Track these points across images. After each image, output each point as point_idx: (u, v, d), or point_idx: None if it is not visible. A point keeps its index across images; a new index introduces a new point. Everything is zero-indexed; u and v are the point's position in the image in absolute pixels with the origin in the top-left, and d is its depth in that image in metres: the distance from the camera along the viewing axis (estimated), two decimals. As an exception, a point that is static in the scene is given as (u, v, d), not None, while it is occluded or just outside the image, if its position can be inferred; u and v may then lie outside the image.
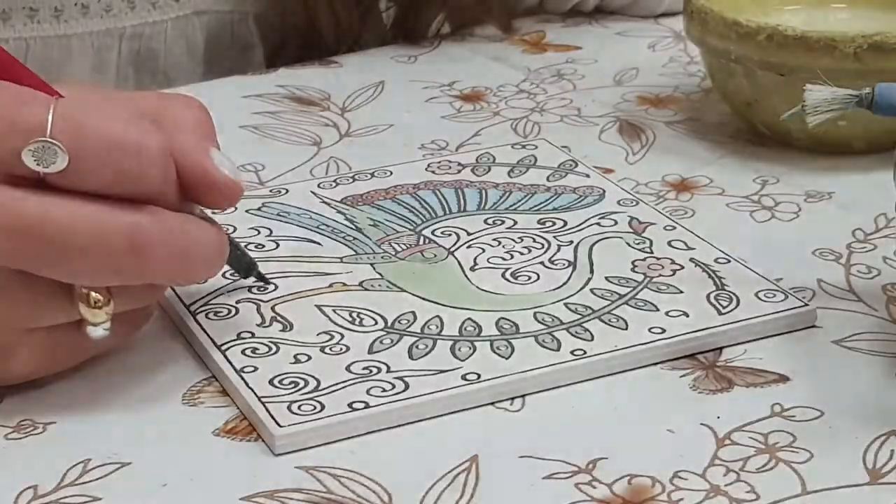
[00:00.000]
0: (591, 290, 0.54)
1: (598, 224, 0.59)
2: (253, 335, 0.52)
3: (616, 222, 0.59)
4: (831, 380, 0.50)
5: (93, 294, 0.47)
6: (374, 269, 0.56)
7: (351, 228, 0.59)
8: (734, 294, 0.54)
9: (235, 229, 0.59)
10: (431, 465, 0.46)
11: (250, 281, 0.55)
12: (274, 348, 0.51)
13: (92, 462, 0.46)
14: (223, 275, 0.55)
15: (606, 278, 0.55)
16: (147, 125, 0.47)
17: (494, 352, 0.51)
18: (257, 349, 0.51)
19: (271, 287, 0.55)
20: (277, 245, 0.58)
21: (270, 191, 0.63)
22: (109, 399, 0.49)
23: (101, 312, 0.47)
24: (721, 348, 0.52)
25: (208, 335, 0.52)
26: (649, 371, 0.51)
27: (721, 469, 0.45)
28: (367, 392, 0.48)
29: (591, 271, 0.56)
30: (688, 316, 0.52)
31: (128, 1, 0.76)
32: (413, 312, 0.53)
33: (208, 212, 0.50)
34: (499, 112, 0.72)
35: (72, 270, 0.46)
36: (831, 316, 0.53)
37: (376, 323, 0.52)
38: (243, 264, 0.55)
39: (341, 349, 0.51)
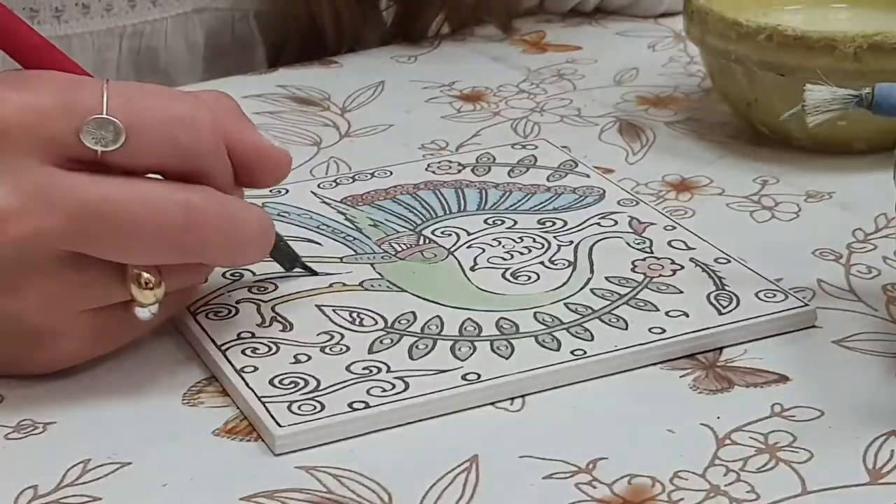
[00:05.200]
0: (591, 290, 0.54)
1: (598, 224, 0.59)
2: (253, 335, 0.52)
3: (616, 222, 0.59)
4: (831, 380, 0.50)
5: (144, 275, 0.47)
6: (374, 269, 0.56)
7: (351, 228, 0.59)
8: (734, 294, 0.54)
9: (235, 229, 0.59)
10: (431, 465, 0.46)
11: (251, 279, 0.55)
12: (274, 348, 0.51)
13: (92, 462, 0.46)
14: (223, 275, 0.55)
15: (606, 278, 0.55)
16: (196, 100, 0.48)
17: (494, 352, 0.51)
18: (257, 349, 0.51)
19: (309, 276, 0.55)
20: (277, 245, 0.58)
21: (270, 191, 0.63)
22: (109, 399, 0.49)
23: (152, 294, 0.48)
24: (721, 348, 0.52)
25: (208, 335, 0.52)
26: (649, 371, 0.51)
27: (721, 469, 0.45)
28: (367, 392, 0.48)
29: (592, 271, 0.56)
30: (688, 316, 0.52)
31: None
32: (413, 312, 0.53)
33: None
34: (499, 112, 0.72)
35: (129, 250, 0.47)
36: (831, 316, 0.53)
37: (376, 323, 0.52)
38: (288, 256, 0.55)
39: (341, 349, 0.51)
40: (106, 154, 0.46)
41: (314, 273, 0.55)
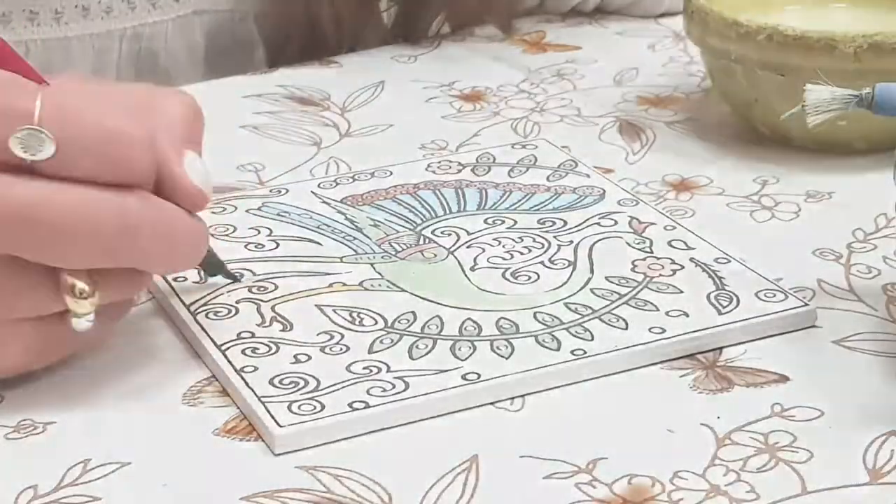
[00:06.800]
0: (591, 290, 0.54)
1: (598, 224, 0.59)
2: (253, 335, 0.52)
3: (616, 222, 0.59)
4: (831, 380, 0.50)
5: (78, 284, 0.46)
6: (374, 269, 0.56)
7: (351, 228, 0.59)
8: (734, 294, 0.54)
9: (235, 229, 0.59)
10: (431, 465, 0.46)
11: (252, 279, 0.55)
12: (274, 348, 0.51)
13: (92, 462, 0.46)
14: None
15: (606, 278, 0.55)
16: (133, 116, 0.47)
17: (494, 352, 0.51)
18: (257, 349, 0.51)
19: (238, 283, 0.55)
20: (277, 245, 0.58)
21: (270, 191, 0.63)
22: (109, 399, 0.49)
23: (87, 303, 0.47)
24: (721, 348, 0.51)
25: (208, 335, 0.52)
26: (649, 371, 0.50)
27: (721, 469, 0.45)
28: (367, 392, 0.48)
29: (592, 271, 0.56)
30: (688, 316, 0.52)
31: (128, 2, 0.76)
32: (413, 312, 0.53)
33: None
34: (499, 112, 0.72)
35: (62, 253, 0.46)
36: (831, 316, 0.53)
37: (376, 323, 0.52)
38: (211, 263, 0.54)
39: (341, 349, 0.51)
40: (35, 162, 0.45)
41: (238, 279, 0.55)
